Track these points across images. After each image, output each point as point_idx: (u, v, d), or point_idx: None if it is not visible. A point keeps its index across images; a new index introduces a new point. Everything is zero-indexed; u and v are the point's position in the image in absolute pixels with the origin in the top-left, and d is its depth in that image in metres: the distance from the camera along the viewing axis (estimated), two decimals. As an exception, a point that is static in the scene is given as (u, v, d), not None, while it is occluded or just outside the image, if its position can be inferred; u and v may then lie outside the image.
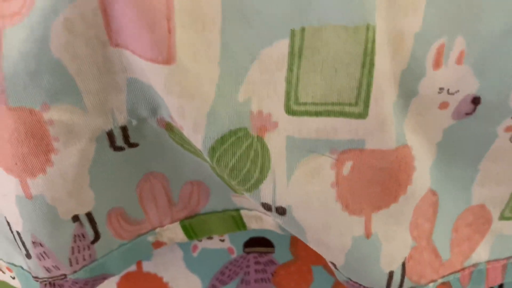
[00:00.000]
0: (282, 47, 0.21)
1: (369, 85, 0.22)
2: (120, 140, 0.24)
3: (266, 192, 0.24)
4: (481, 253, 0.30)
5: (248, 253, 0.34)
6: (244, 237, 0.33)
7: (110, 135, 0.24)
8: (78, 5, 0.19)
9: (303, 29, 0.21)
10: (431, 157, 0.26)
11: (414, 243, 0.27)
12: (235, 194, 0.29)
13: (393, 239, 0.26)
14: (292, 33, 0.21)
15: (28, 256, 0.26)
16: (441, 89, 0.23)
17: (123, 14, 0.19)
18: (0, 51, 0.20)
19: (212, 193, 0.29)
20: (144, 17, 0.19)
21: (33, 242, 0.25)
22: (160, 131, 0.25)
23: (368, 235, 0.26)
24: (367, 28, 0.20)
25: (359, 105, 0.22)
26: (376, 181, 0.24)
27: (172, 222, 0.30)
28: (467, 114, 0.24)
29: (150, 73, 0.21)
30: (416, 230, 0.27)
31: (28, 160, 0.22)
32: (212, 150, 0.22)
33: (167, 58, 0.20)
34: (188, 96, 0.21)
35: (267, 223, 0.30)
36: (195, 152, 0.25)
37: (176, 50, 0.20)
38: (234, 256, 0.34)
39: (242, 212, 0.30)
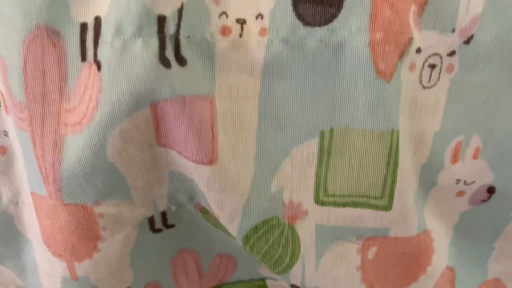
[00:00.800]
0: (312, 145, 0.23)
1: (393, 181, 0.23)
2: (159, 223, 0.26)
3: (295, 276, 0.25)
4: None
5: (270, 317, 0.35)
6: (267, 302, 0.35)
7: (151, 220, 0.26)
8: (133, 118, 0.21)
9: (331, 130, 0.23)
10: (449, 237, 0.28)
11: (433, 318, 0.29)
12: (261, 266, 0.30)
13: (414, 315, 0.28)
14: (322, 134, 0.23)
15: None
16: (458, 180, 0.25)
17: (173, 124, 0.21)
18: (60, 155, 0.22)
19: (239, 265, 0.31)
20: (192, 128, 0.21)
21: (75, 318, 0.27)
22: (195, 213, 0.26)
23: (390, 312, 0.27)
24: (392, 133, 0.22)
25: (384, 198, 0.24)
26: (398, 264, 0.26)
27: (201, 291, 0.32)
28: (483, 201, 0.26)
29: (193, 171, 0.23)
30: (435, 305, 0.29)
31: (77, 248, 0.24)
32: (246, 237, 0.24)
33: (211, 159, 0.22)
34: (227, 191, 0.23)
35: (290, 291, 0.31)
36: (226, 231, 0.27)
37: (218, 152, 0.22)
38: (256, 320, 0.35)
39: (268, 281, 0.31)
